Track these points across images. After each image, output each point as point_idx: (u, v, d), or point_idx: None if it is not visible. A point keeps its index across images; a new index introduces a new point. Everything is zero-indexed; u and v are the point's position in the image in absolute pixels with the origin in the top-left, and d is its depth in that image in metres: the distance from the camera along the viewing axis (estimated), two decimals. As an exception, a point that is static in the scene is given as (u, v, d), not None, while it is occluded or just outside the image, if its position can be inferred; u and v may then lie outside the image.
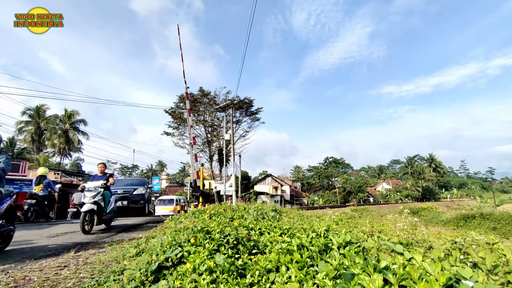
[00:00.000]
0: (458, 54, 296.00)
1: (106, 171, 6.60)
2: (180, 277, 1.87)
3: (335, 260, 1.57)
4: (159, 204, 19.72)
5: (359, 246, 1.90)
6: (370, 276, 1.21)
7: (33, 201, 8.41)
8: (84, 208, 5.53)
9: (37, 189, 8.71)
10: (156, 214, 18.74)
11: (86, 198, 5.72)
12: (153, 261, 2.13)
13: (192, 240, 2.42)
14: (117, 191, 9.74)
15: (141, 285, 1.94)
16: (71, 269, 2.95)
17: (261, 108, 30.31)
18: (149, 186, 13.28)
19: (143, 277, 1.98)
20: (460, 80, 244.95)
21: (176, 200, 20.26)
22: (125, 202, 9.93)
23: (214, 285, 1.72)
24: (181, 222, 4.46)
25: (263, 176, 50.63)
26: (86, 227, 5.50)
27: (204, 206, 10.43)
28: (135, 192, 10.30)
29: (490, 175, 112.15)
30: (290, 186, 49.48)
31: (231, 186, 18.08)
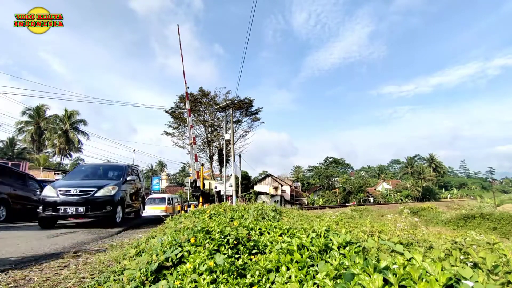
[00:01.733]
0: (458, 54, 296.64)
1: None
2: (180, 277, 1.87)
3: (335, 260, 1.57)
4: (149, 203, 17.53)
5: (359, 246, 1.90)
6: (370, 276, 1.21)
7: None
8: None
9: None
10: (144, 214, 16.91)
11: None
12: (153, 261, 2.13)
13: (192, 240, 2.42)
14: (69, 191, 6.60)
15: (141, 285, 1.94)
16: (71, 269, 2.95)
17: (261, 108, 30.41)
18: (131, 178, 8.38)
19: (143, 277, 1.98)
20: (460, 80, 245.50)
21: (169, 199, 18.35)
22: (81, 209, 6.46)
23: (214, 285, 1.72)
24: (181, 222, 4.46)
25: (263, 176, 50.63)
26: None
27: (204, 206, 10.42)
28: (98, 194, 6.74)
29: (490, 175, 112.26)
30: (290, 186, 49.47)
31: (231, 186, 18.07)
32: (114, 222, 7.03)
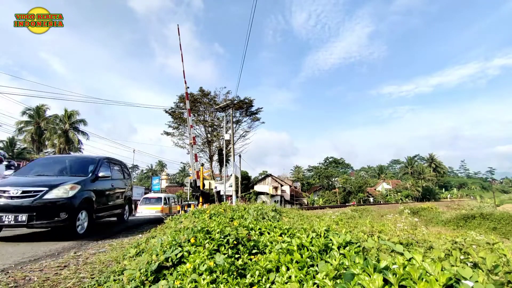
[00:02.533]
0: (458, 54, 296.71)
1: None
2: (180, 277, 1.88)
3: (335, 260, 1.57)
4: (144, 203, 17.32)
5: (359, 246, 1.90)
6: (370, 276, 1.21)
7: None
8: None
9: None
10: (137, 214, 15.63)
11: None
12: (153, 261, 2.13)
13: (192, 240, 2.42)
14: (8, 192, 4.85)
15: (141, 285, 1.94)
16: (71, 269, 2.95)
17: (261, 108, 30.41)
18: (105, 174, 6.49)
19: (143, 277, 1.98)
20: (460, 80, 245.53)
21: (165, 199, 17.89)
22: (22, 217, 4.68)
23: (214, 285, 1.72)
24: (181, 222, 4.46)
25: (263, 176, 50.61)
26: None
27: (204, 206, 10.41)
28: (49, 195, 4.94)
29: (490, 175, 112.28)
30: (290, 186, 49.47)
31: (231, 186, 18.07)
32: (74, 233, 5.21)
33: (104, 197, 6.64)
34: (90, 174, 6.16)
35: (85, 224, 5.61)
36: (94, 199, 5.93)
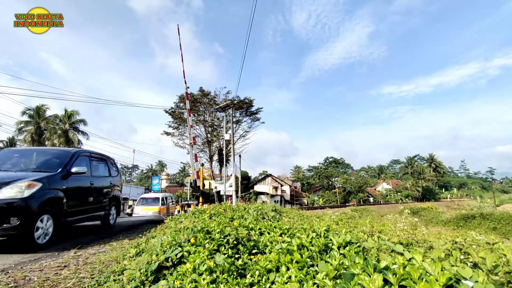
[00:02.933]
0: (458, 54, 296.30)
1: None
2: (180, 277, 1.88)
3: (335, 260, 1.57)
4: (141, 203, 16.95)
5: (359, 246, 1.90)
6: (370, 276, 1.21)
7: None
8: None
9: None
10: (134, 215, 15.41)
11: None
12: (153, 261, 2.13)
13: (192, 240, 2.43)
14: None
15: (141, 285, 1.94)
16: (71, 269, 2.95)
17: (261, 108, 30.45)
18: (80, 170, 5.25)
19: (143, 277, 1.98)
20: (460, 80, 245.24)
21: (163, 199, 17.49)
22: None
23: (214, 285, 1.72)
24: (181, 222, 4.46)
25: (263, 176, 50.60)
26: None
27: (204, 206, 10.41)
28: None
29: (490, 175, 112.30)
30: (290, 186, 49.46)
31: (231, 186, 18.07)
32: (31, 243, 4.07)
33: (79, 198, 5.56)
34: (60, 170, 5.04)
35: (50, 231, 4.46)
36: (64, 200, 4.82)
